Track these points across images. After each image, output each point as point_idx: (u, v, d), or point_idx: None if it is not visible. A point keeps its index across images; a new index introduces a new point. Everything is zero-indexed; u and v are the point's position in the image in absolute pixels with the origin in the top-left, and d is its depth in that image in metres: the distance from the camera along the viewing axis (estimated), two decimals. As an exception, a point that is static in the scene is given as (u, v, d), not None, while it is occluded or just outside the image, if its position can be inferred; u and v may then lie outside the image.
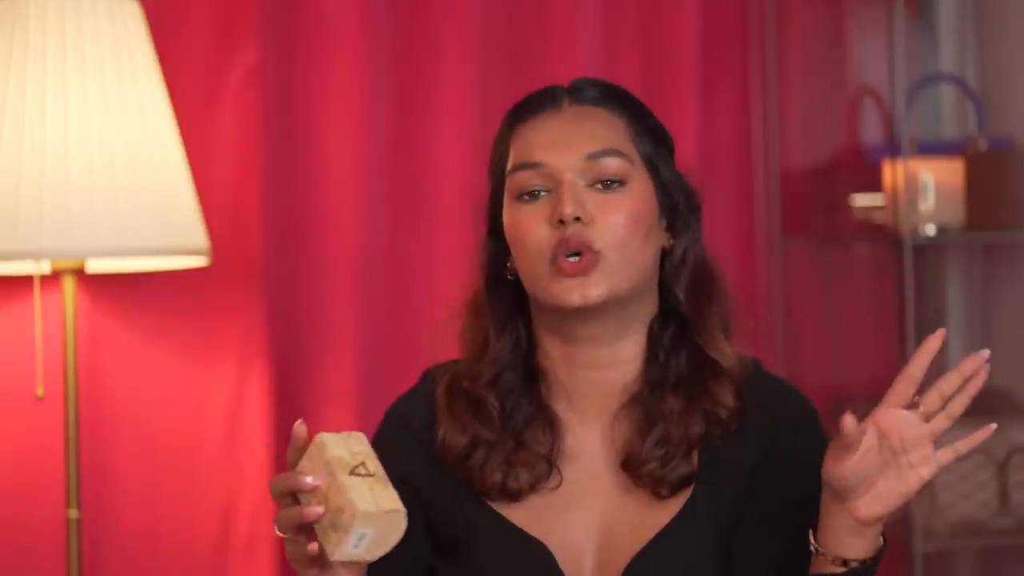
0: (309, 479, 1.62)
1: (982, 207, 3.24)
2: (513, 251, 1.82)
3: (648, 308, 1.84)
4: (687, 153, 3.17)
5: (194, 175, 2.70)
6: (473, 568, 1.80)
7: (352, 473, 1.61)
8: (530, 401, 1.83)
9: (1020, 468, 3.19)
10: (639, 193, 1.80)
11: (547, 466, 1.80)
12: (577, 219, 1.76)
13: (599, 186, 1.79)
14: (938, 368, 1.69)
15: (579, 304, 1.77)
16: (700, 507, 1.77)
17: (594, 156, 1.79)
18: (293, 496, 1.65)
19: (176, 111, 2.70)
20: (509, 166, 1.82)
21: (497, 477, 1.80)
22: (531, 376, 1.85)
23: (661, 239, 1.84)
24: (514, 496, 1.80)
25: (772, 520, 1.77)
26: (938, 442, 1.67)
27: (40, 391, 2.67)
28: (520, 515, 1.80)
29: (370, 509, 1.59)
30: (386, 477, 1.63)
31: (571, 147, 1.79)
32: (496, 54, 3.04)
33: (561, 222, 1.76)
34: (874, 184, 3.24)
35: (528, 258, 1.79)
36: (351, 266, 2.93)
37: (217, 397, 2.87)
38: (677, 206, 1.85)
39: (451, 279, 2.70)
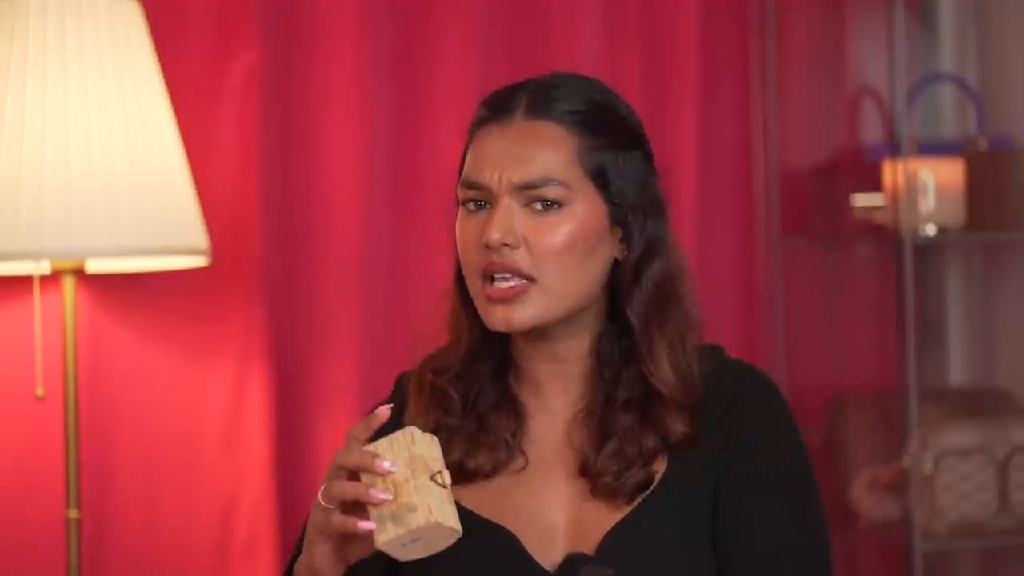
0: (387, 464, 1.62)
1: (982, 207, 3.24)
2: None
3: (593, 314, 1.84)
4: (687, 153, 3.17)
5: (194, 175, 2.70)
6: (436, 563, 1.79)
7: (431, 478, 1.62)
8: (495, 388, 1.85)
9: (1020, 468, 3.18)
10: (579, 214, 1.79)
11: (508, 450, 1.82)
12: (505, 244, 1.76)
13: (537, 206, 1.78)
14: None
15: (503, 329, 1.78)
16: (674, 484, 1.79)
17: (526, 187, 1.78)
18: (351, 472, 1.65)
19: (176, 111, 2.70)
20: (460, 175, 1.83)
21: (456, 455, 1.81)
22: (502, 364, 1.86)
23: (612, 250, 1.82)
24: (471, 476, 1.81)
25: (743, 493, 1.78)
26: None
27: (40, 391, 2.67)
28: (484, 501, 1.81)
29: (441, 521, 1.61)
30: (451, 493, 1.65)
31: (507, 171, 1.78)
32: (496, 54, 3.04)
33: (487, 246, 1.77)
34: (874, 184, 3.24)
35: (467, 275, 1.81)
36: (351, 266, 2.93)
37: (217, 397, 2.87)
38: (627, 219, 1.82)
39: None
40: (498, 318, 1.77)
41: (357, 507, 1.64)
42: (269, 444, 2.86)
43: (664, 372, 1.81)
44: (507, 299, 1.77)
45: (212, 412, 2.87)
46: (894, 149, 3.20)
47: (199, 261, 2.72)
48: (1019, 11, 3.40)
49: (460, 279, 1.86)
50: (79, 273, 2.67)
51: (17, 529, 2.78)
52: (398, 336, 2.93)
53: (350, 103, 2.93)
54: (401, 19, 3.01)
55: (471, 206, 1.81)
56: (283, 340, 2.90)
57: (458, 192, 1.83)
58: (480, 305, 1.80)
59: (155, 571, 2.84)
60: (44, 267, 2.67)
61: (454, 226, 1.86)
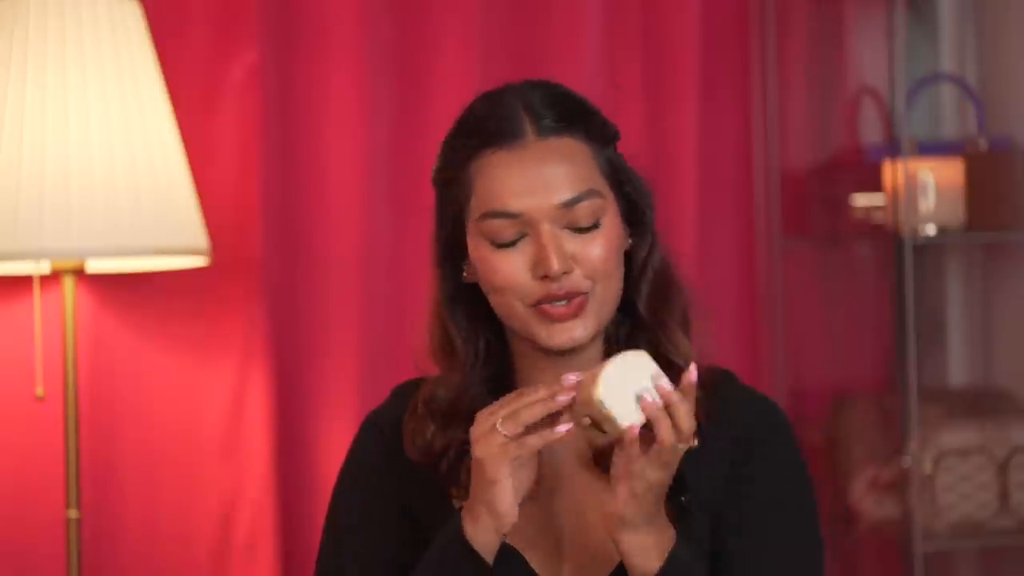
0: (572, 377, 1.67)
1: (982, 207, 3.24)
2: (485, 287, 1.78)
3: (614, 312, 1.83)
4: (687, 153, 3.17)
5: (194, 175, 2.70)
6: None
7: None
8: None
9: (1020, 468, 3.19)
10: (612, 224, 1.77)
11: None
12: (564, 272, 1.73)
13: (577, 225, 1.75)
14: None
15: (568, 346, 1.75)
16: (687, 509, 1.76)
17: (571, 203, 1.74)
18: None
19: (176, 111, 2.70)
20: (479, 211, 1.76)
21: (464, 476, 1.77)
22: (500, 377, 1.82)
23: (625, 246, 1.81)
24: None
25: (746, 529, 1.77)
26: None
27: (40, 391, 2.67)
28: None
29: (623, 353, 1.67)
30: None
31: (546, 193, 1.73)
32: (496, 54, 3.04)
33: (547, 277, 1.73)
34: (874, 184, 3.24)
35: (507, 301, 1.76)
36: (351, 266, 2.93)
37: (217, 397, 2.87)
38: (640, 213, 1.81)
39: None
40: (565, 338, 1.74)
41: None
42: (269, 444, 2.86)
43: (682, 345, 1.79)
44: (571, 316, 1.74)
45: (212, 412, 2.87)
46: (894, 149, 3.20)
47: (199, 261, 2.72)
48: (1019, 11, 3.40)
49: (449, 304, 1.82)
50: (79, 273, 2.67)
51: (17, 529, 2.78)
52: (398, 336, 2.92)
53: (350, 103, 2.93)
54: (401, 19, 3.01)
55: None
56: (283, 340, 2.90)
57: (479, 226, 1.76)
58: (529, 327, 1.75)
59: (155, 571, 2.84)
60: (44, 267, 2.67)
61: (435, 259, 1.82)
